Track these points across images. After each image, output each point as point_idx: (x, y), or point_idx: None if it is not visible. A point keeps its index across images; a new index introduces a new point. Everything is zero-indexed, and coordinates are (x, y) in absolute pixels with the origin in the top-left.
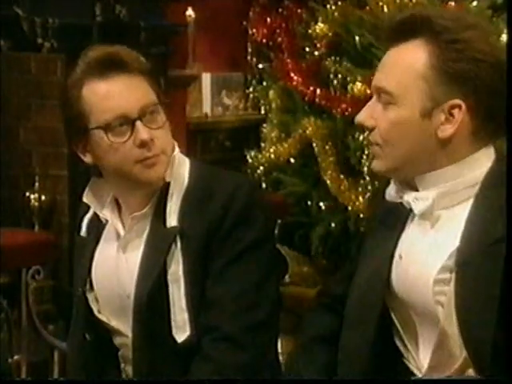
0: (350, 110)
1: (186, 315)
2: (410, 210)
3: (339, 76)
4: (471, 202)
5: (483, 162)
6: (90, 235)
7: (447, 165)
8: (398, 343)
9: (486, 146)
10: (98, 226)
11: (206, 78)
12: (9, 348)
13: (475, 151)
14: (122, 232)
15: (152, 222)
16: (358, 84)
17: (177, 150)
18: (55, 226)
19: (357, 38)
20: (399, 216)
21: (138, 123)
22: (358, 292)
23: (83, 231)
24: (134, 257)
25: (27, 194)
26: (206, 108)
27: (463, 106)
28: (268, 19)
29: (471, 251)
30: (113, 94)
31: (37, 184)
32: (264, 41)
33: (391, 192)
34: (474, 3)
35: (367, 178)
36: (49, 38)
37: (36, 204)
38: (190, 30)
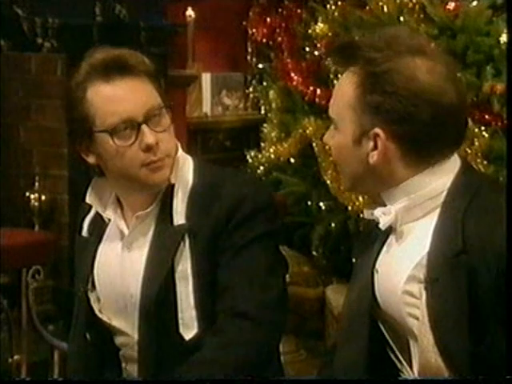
0: None
1: (193, 312)
2: (377, 225)
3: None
4: (438, 211)
5: (445, 172)
6: (92, 235)
7: (407, 178)
8: (392, 356)
9: (430, 166)
10: (99, 225)
11: (206, 78)
12: (9, 348)
13: (417, 173)
14: (126, 231)
15: (157, 221)
16: None
17: (180, 150)
18: (55, 225)
19: (357, 38)
20: (380, 233)
21: (144, 127)
22: (349, 308)
23: (84, 231)
24: (139, 256)
25: (27, 193)
26: (206, 108)
27: (382, 135)
28: (268, 19)
29: (438, 264)
30: (118, 98)
31: (37, 184)
32: (264, 41)
33: (366, 211)
34: (474, 3)
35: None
36: (49, 37)
37: (36, 204)
38: (189, 30)
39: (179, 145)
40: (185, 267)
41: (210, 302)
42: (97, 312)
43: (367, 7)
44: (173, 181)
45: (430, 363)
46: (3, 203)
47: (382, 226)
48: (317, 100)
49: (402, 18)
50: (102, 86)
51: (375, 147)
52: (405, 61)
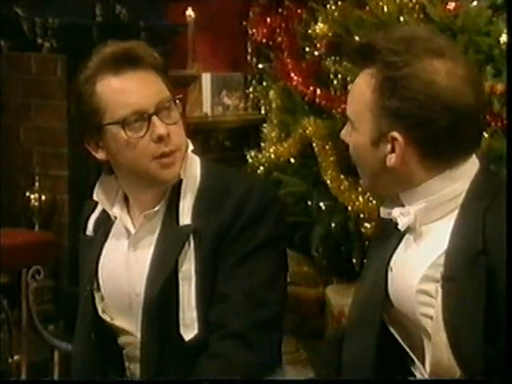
0: None
1: (194, 313)
2: (396, 225)
3: (339, 76)
4: (455, 213)
5: (464, 174)
6: (97, 234)
7: (426, 180)
8: (403, 354)
9: (448, 168)
10: (105, 224)
11: (206, 78)
12: (9, 348)
13: (436, 175)
14: (132, 230)
15: (164, 220)
16: None
17: (191, 147)
18: (55, 225)
19: (357, 38)
20: (395, 231)
21: (155, 118)
22: (359, 304)
23: (89, 230)
24: (145, 254)
25: (27, 193)
26: (206, 108)
27: (400, 139)
28: (268, 19)
29: (456, 263)
30: (129, 90)
31: (37, 184)
32: (264, 41)
33: (383, 210)
34: (474, 3)
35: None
36: (49, 37)
37: (36, 204)
38: (189, 30)
39: (189, 141)
40: (188, 268)
41: (211, 303)
42: (100, 312)
43: (367, 7)
44: (182, 177)
45: (442, 362)
46: (3, 203)
47: (401, 226)
48: (317, 100)
49: (401, 18)
50: (113, 79)
51: (393, 150)
52: (423, 65)
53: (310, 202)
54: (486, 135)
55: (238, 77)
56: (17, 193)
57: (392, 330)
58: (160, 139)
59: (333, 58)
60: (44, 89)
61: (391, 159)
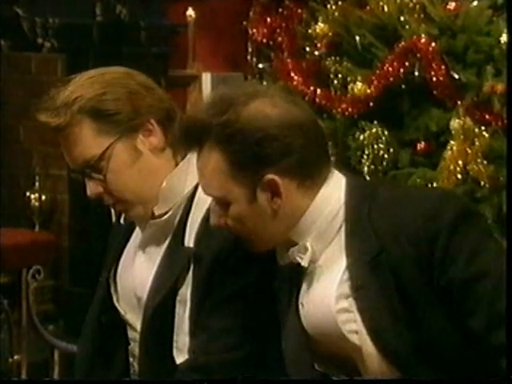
0: (349, 109)
1: (187, 339)
2: (298, 264)
3: (339, 76)
4: (343, 228)
5: (335, 188)
6: (127, 225)
7: (307, 207)
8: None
9: (321, 187)
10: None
11: (206, 78)
12: (9, 348)
13: (312, 198)
14: (140, 234)
15: (173, 235)
16: (358, 84)
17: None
18: (55, 225)
19: (357, 37)
20: (293, 270)
21: (86, 179)
22: (287, 351)
23: (123, 219)
24: (150, 263)
25: (27, 193)
26: None
27: (276, 179)
28: (268, 19)
29: (359, 272)
30: (64, 149)
31: (37, 184)
32: (264, 41)
33: (280, 257)
34: (475, 3)
35: (367, 178)
36: (49, 37)
37: (36, 204)
38: (190, 30)
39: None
40: (185, 291)
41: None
42: (114, 301)
43: (367, 7)
44: (157, 212)
45: (379, 370)
46: (4, 203)
47: (305, 262)
48: (317, 100)
49: (402, 18)
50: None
51: (274, 193)
52: (250, 107)
53: None
54: (486, 135)
55: (238, 77)
56: (17, 193)
57: (321, 366)
58: (95, 199)
59: (333, 57)
60: (44, 89)
61: (276, 202)
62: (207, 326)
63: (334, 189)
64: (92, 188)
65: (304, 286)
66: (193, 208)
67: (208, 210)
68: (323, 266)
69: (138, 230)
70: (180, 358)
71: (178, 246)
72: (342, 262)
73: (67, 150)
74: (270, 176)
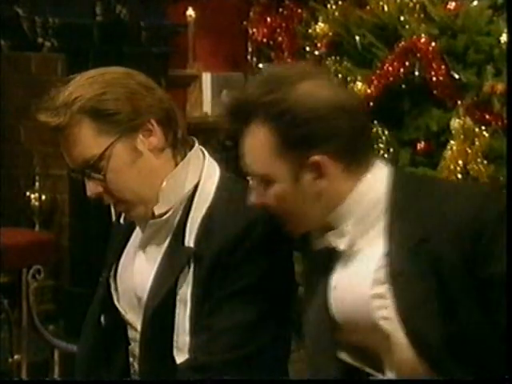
0: None
1: (187, 338)
2: (334, 248)
3: (339, 76)
4: (384, 216)
5: (378, 176)
6: (127, 224)
7: (350, 191)
8: (362, 371)
9: (365, 173)
10: None
11: (207, 78)
12: (9, 348)
13: (356, 183)
14: (140, 234)
15: (173, 234)
16: (358, 84)
17: (207, 156)
18: (56, 225)
19: (357, 37)
20: (327, 254)
21: (86, 179)
22: (309, 332)
23: (123, 218)
24: (150, 263)
25: (28, 193)
26: (207, 108)
27: (322, 160)
28: (268, 19)
29: (399, 258)
30: (64, 149)
31: (37, 183)
32: (264, 40)
33: (315, 240)
34: (475, 3)
35: None
36: (49, 37)
37: (36, 203)
38: (190, 30)
39: (206, 154)
40: (185, 291)
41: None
42: (115, 300)
43: (367, 7)
44: (157, 211)
45: (405, 362)
46: (4, 203)
47: (342, 247)
48: None
49: (402, 18)
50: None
51: (318, 175)
52: (300, 88)
53: None
54: (486, 135)
55: (238, 76)
56: (17, 192)
57: (340, 353)
58: (95, 198)
59: (333, 57)
60: (44, 88)
61: (320, 184)
62: (208, 325)
63: (377, 176)
64: (92, 188)
65: (338, 270)
66: (193, 208)
67: (208, 209)
68: (360, 251)
69: (138, 229)
70: (180, 357)
71: (178, 246)
72: (380, 248)
73: (67, 150)
74: (316, 157)
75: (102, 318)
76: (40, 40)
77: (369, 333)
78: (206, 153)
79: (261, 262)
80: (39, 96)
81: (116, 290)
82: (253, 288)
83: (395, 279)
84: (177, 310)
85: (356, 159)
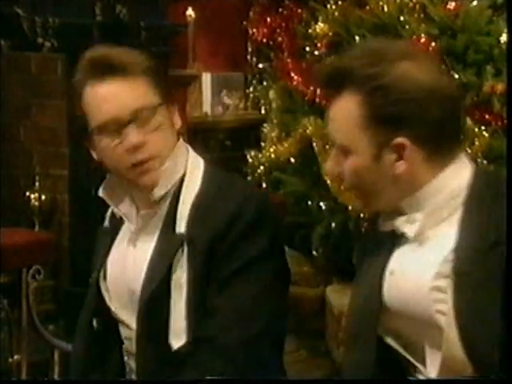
0: None
1: (184, 323)
2: (402, 234)
3: None
4: (460, 211)
5: (461, 169)
6: (111, 227)
7: (429, 181)
8: (403, 360)
9: (447, 165)
10: (119, 218)
11: (207, 78)
12: (9, 348)
13: (438, 173)
14: (132, 228)
15: (163, 224)
16: None
17: (190, 150)
18: (55, 225)
19: (357, 37)
20: (389, 237)
21: (130, 127)
22: (355, 311)
23: (106, 222)
24: (143, 255)
25: (27, 193)
26: (206, 107)
27: (406, 143)
28: (268, 19)
29: (468, 258)
30: (107, 97)
31: (37, 183)
32: (264, 40)
33: (383, 223)
34: (475, 3)
35: None
36: (49, 37)
37: (36, 203)
38: (190, 30)
39: (189, 147)
40: (181, 276)
41: (200, 315)
42: (107, 301)
43: (367, 7)
44: (157, 193)
45: (454, 358)
46: (3, 203)
47: (411, 234)
48: (317, 100)
49: (402, 18)
50: (96, 85)
51: (400, 157)
52: (401, 67)
53: (310, 202)
54: (486, 135)
55: (238, 76)
56: (17, 192)
57: (387, 338)
58: (134, 148)
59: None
60: (44, 88)
61: (400, 166)
62: (217, 306)
63: (460, 171)
64: (137, 137)
65: (397, 256)
66: (181, 197)
67: (197, 197)
68: (428, 240)
69: (125, 228)
70: (177, 342)
71: (169, 234)
72: (451, 242)
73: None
74: (401, 139)
75: (95, 322)
76: (40, 40)
77: (420, 323)
78: (189, 147)
79: (257, 240)
80: (39, 96)
81: (107, 290)
82: (253, 264)
83: (460, 276)
84: (172, 296)
85: (440, 149)
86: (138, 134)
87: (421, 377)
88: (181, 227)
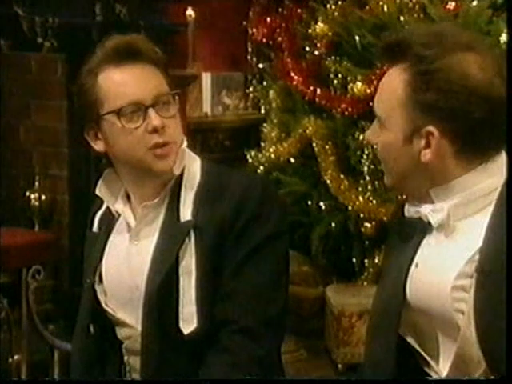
0: (349, 109)
1: (194, 308)
2: (428, 222)
3: (339, 76)
4: (491, 209)
5: (498, 168)
6: (102, 230)
7: (460, 175)
8: (417, 355)
9: (483, 163)
10: (109, 220)
11: (206, 78)
12: (9, 348)
13: (470, 170)
14: (132, 223)
15: (165, 215)
16: (358, 84)
17: (185, 143)
18: (55, 225)
19: (357, 37)
20: (417, 228)
21: (151, 110)
22: (379, 302)
23: (95, 227)
24: (146, 248)
25: (27, 193)
26: (206, 107)
27: (436, 133)
28: (268, 19)
29: (493, 258)
30: (128, 82)
31: (37, 184)
32: (264, 40)
33: (409, 208)
34: (474, 3)
35: (367, 178)
36: (49, 37)
37: (36, 204)
38: (190, 30)
39: (185, 139)
40: (189, 262)
41: (210, 299)
42: (103, 304)
43: (367, 7)
44: (176, 172)
45: (467, 357)
46: (3, 203)
47: (434, 223)
48: (317, 100)
49: (402, 18)
50: (113, 71)
51: (428, 145)
52: (456, 57)
53: (310, 202)
54: None
55: (238, 76)
56: (17, 193)
57: (403, 331)
58: (155, 130)
59: (333, 57)
60: (44, 89)
61: (426, 155)
62: (235, 290)
63: (494, 172)
64: (159, 119)
65: (424, 248)
66: (182, 187)
67: (199, 186)
68: (455, 234)
69: (119, 228)
70: (187, 328)
71: (174, 223)
72: (478, 242)
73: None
74: (432, 128)
75: (91, 327)
76: (40, 40)
77: (438, 320)
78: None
79: (266, 221)
80: (39, 96)
81: (102, 293)
82: (265, 245)
83: (483, 277)
84: (181, 283)
85: (473, 149)
86: (158, 118)
87: (432, 373)
88: (186, 215)
